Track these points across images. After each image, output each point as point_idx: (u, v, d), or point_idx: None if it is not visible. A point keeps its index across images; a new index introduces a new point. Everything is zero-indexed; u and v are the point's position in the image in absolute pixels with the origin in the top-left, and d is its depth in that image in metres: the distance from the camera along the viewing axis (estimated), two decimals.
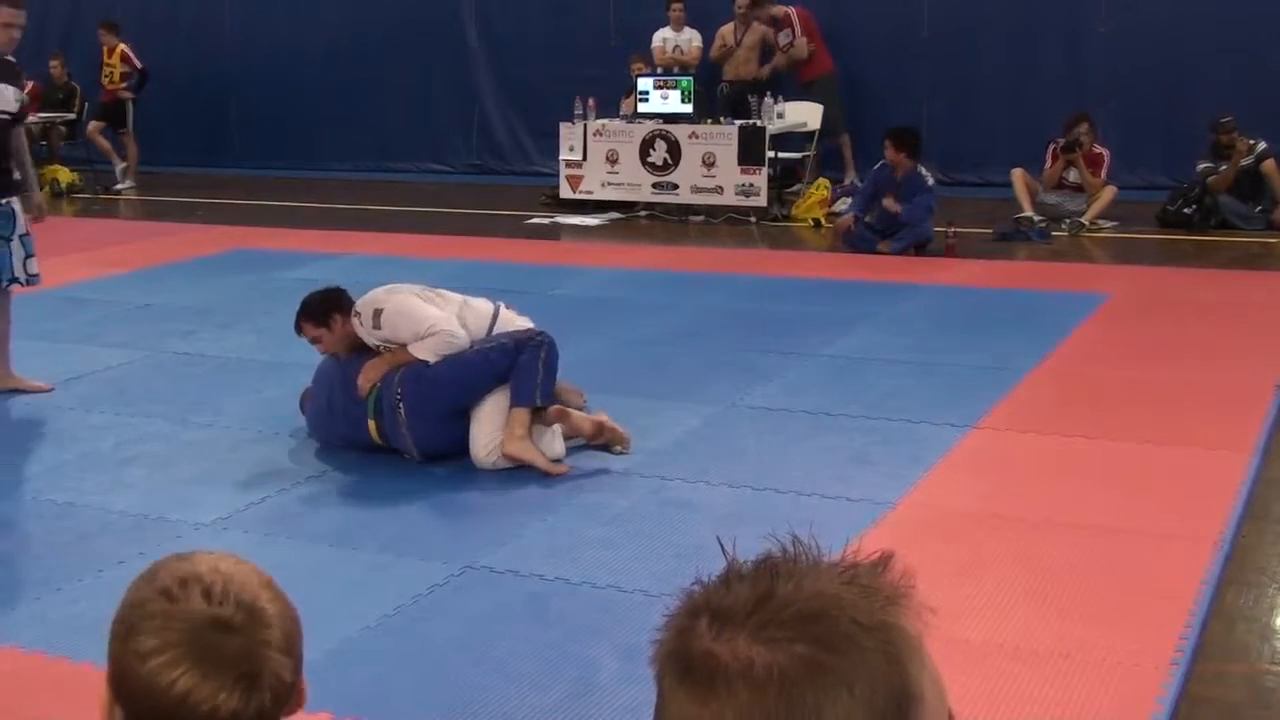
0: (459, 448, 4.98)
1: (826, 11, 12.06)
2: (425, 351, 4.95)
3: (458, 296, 5.27)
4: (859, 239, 9.27)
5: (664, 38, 12.38)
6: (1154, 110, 11.21)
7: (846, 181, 11.46)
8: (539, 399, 4.92)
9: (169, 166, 14.45)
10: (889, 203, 9.10)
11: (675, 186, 10.96)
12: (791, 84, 11.96)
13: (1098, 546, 4.07)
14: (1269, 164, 9.74)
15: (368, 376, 5.01)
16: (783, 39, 11.91)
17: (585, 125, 11.28)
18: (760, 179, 10.64)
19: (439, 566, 4.08)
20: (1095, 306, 7.30)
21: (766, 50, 12.16)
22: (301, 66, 14.46)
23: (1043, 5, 11.68)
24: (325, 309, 5.17)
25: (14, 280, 5.99)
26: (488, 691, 3.30)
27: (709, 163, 10.77)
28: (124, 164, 13.71)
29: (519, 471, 4.87)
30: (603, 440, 5.09)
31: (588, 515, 4.50)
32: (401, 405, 4.94)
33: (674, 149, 10.90)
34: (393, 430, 5.01)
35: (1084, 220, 9.91)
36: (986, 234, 9.63)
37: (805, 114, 11.53)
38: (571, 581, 3.94)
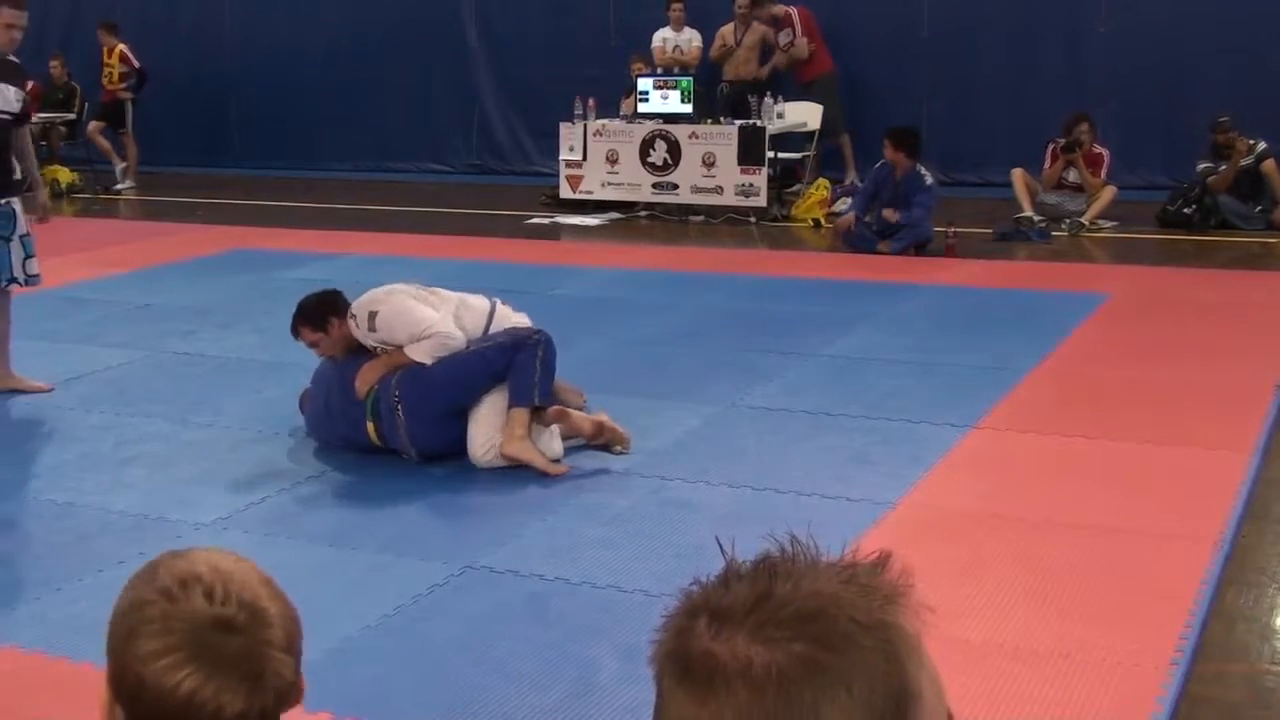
0: (458, 448, 4.98)
1: (827, 11, 12.06)
2: (421, 354, 4.95)
3: (454, 295, 5.26)
4: (859, 239, 9.27)
5: (664, 38, 12.38)
6: (1154, 110, 11.21)
7: (847, 181, 11.46)
8: (537, 398, 4.92)
9: (169, 166, 14.45)
10: (889, 214, 9.10)
11: (675, 186, 10.96)
12: (791, 84, 11.96)
13: (1098, 546, 4.07)
14: (1269, 164, 9.74)
15: (364, 379, 5.00)
16: (783, 38, 11.91)
17: (585, 125, 11.28)
18: (760, 179, 10.64)
19: (439, 566, 4.08)
20: (1095, 306, 7.31)
21: (766, 50, 12.17)
22: (301, 66, 14.46)
23: (1043, 5, 11.68)
24: (322, 312, 5.16)
25: (13, 280, 5.99)
26: (488, 691, 3.30)
27: (709, 163, 10.77)
28: (124, 164, 13.71)
29: (519, 471, 4.87)
30: (602, 440, 5.09)
31: (588, 515, 4.50)
32: (400, 407, 4.94)
33: (674, 149, 10.90)
34: (391, 431, 5.01)
35: (1084, 220, 9.91)
36: (986, 234, 9.63)
37: (805, 114, 11.53)
38: (571, 581, 3.94)
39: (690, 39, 12.35)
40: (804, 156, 11.58)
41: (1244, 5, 10.97)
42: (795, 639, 0.86)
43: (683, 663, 0.89)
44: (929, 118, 11.59)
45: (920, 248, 9.12)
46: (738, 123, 10.82)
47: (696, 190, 10.88)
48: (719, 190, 10.79)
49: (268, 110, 14.75)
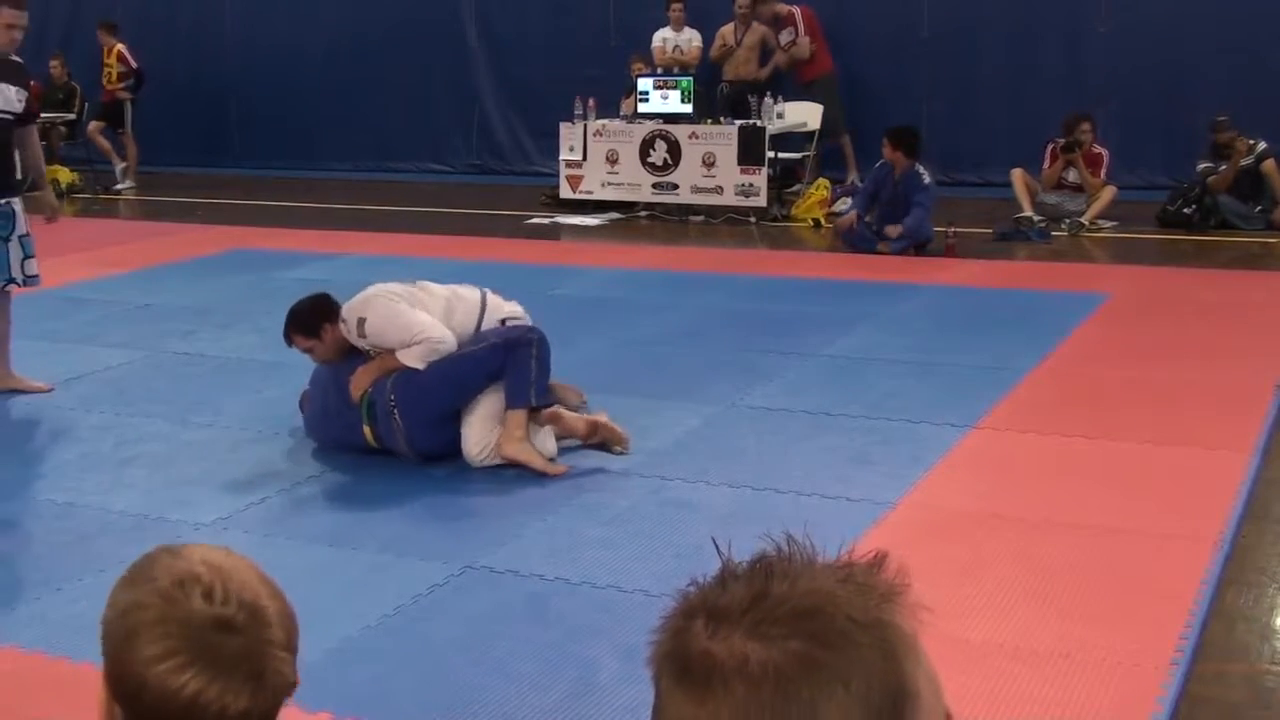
0: (456, 449, 4.97)
1: (828, 11, 12.06)
2: (413, 359, 4.91)
3: (444, 289, 5.21)
4: (859, 238, 9.27)
5: (664, 38, 12.38)
6: (1154, 110, 11.21)
7: (848, 181, 11.46)
8: (534, 398, 4.91)
9: (169, 166, 14.45)
10: (891, 230, 9.08)
11: (675, 186, 10.97)
12: (791, 84, 11.97)
13: (1098, 546, 4.07)
14: (1269, 164, 9.74)
15: (358, 383, 4.99)
16: (784, 37, 11.91)
17: (585, 125, 11.28)
18: (760, 179, 10.64)
19: (439, 566, 4.08)
20: (1095, 306, 7.31)
21: (766, 50, 12.17)
22: (301, 66, 14.47)
23: (1043, 5, 11.68)
24: (315, 319, 5.13)
25: (11, 281, 5.99)
26: (488, 691, 3.30)
27: (709, 163, 10.78)
28: (124, 164, 13.72)
29: (518, 472, 4.87)
30: (598, 440, 5.09)
31: (588, 515, 4.50)
32: (396, 411, 4.92)
33: (674, 149, 10.90)
34: (388, 434, 5.00)
35: (1084, 220, 9.91)
36: (986, 234, 9.63)
37: (805, 114, 11.53)
38: (571, 581, 3.94)
39: (690, 39, 12.35)
40: (804, 156, 11.58)
41: (1244, 5, 10.97)
42: (792, 636, 0.86)
43: (680, 663, 0.89)
44: (929, 118, 11.59)
45: (920, 248, 9.12)
46: (738, 123, 10.82)
47: (696, 190, 10.88)
48: (719, 190, 10.79)
49: (268, 110, 14.75)
